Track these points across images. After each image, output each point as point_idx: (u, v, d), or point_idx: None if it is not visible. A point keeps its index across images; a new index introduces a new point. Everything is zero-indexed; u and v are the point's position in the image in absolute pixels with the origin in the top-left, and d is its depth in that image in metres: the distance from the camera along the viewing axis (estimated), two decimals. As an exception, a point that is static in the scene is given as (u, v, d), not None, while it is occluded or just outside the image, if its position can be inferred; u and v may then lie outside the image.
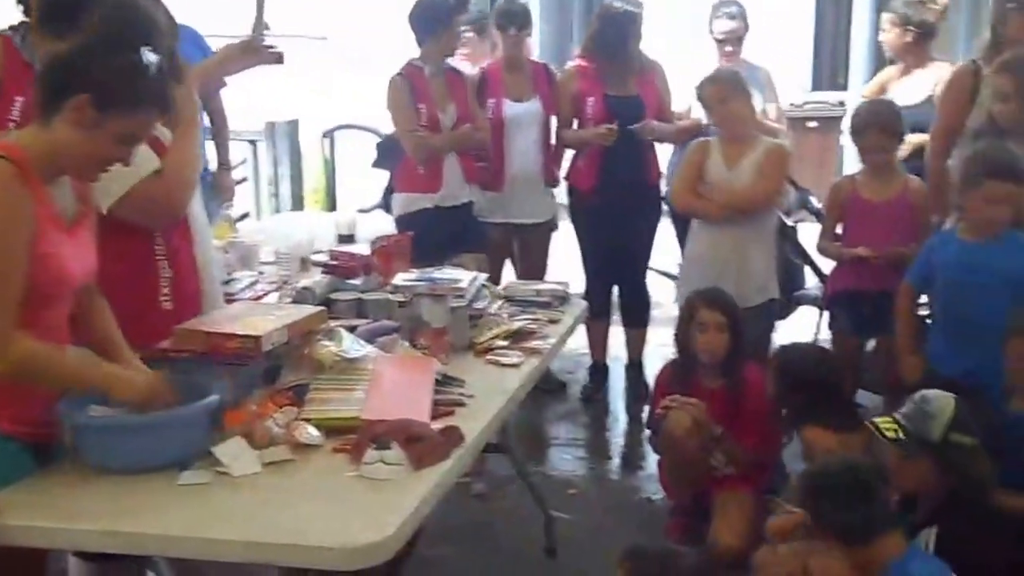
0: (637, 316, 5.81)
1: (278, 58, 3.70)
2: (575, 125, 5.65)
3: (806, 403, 4.18)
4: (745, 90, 4.95)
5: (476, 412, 3.09)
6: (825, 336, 5.17)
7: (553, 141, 5.78)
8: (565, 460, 5.21)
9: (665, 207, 5.88)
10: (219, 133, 5.51)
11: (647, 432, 4.81)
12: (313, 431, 2.74)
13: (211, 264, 3.34)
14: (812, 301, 5.46)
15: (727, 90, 4.88)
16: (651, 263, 5.90)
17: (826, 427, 3.91)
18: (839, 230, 4.88)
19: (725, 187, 4.84)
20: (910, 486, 3.38)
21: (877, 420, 3.42)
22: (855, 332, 4.82)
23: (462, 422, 2.96)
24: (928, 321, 4.38)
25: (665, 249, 6.13)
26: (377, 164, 5.72)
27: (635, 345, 5.87)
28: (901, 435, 3.31)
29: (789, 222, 5.37)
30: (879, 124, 4.70)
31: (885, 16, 5.69)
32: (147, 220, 3.01)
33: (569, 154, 5.80)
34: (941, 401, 3.36)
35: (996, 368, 3.76)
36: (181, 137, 3.02)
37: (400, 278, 3.72)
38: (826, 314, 5.08)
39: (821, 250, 4.99)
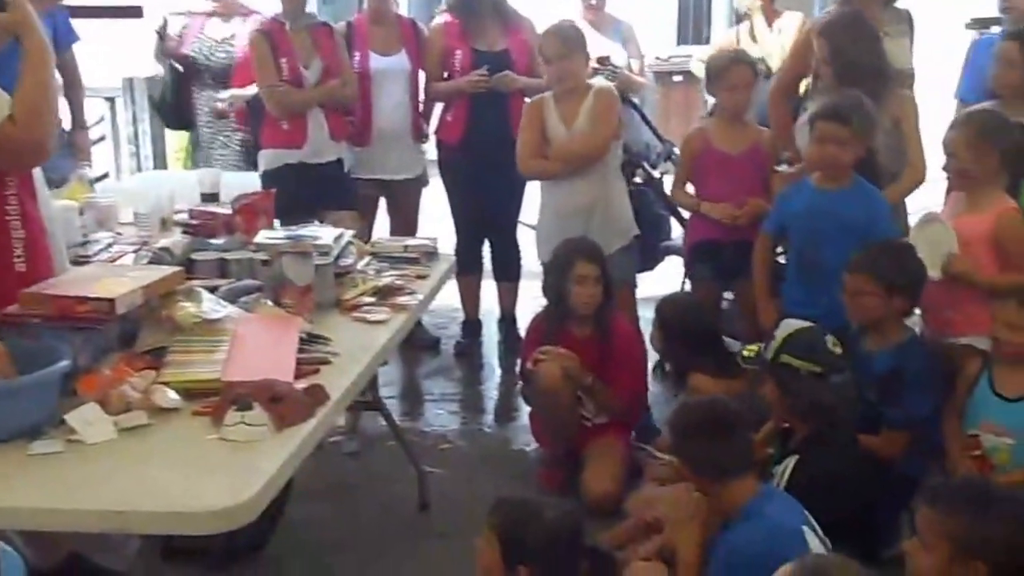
0: (508, 270, 5.79)
1: (137, 12, 3.55)
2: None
3: (689, 352, 4.23)
4: (584, 48, 4.90)
5: (342, 370, 3.04)
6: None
7: (422, 96, 5.69)
8: (438, 415, 5.18)
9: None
10: (72, 90, 5.29)
11: (520, 384, 4.83)
12: (172, 395, 2.66)
13: (54, 223, 3.19)
14: (678, 251, 5.51)
15: (570, 46, 4.82)
16: (521, 217, 5.87)
17: (709, 374, 3.95)
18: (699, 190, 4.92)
19: (563, 143, 4.83)
20: (772, 407, 3.52)
21: (748, 346, 3.50)
22: (714, 280, 4.87)
23: (328, 380, 2.91)
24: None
25: (534, 203, 6.13)
26: (247, 120, 5.57)
27: (507, 299, 5.85)
28: (752, 356, 3.46)
29: (655, 174, 5.40)
30: (730, 75, 4.74)
31: None
32: (12, 164, 2.86)
33: (439, 109, 5.71)
34: (785, 327, 3.52)
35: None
36: (27, 68, 2.83)
37: (263, 236, 3.62)
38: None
39: (676, 200, 5.03)
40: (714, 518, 3.10)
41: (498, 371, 5.71)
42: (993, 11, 5.43)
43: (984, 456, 3.66)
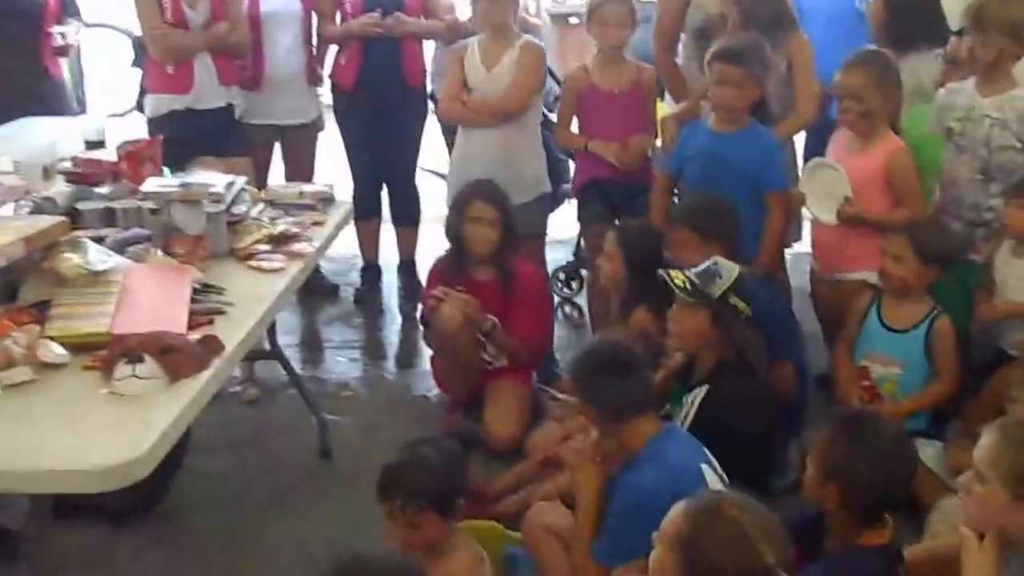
0: (407, 215, 5.73)
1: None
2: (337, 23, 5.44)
3: (640, 283, 4.20)
4: None
5: (237, 320, 2.99)
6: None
7: (315, 39, 5.56)
8: (339, 363, 5.13)
9: (432, 104, 5.80)
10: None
11: (421, 330, 4.80)
12: (58, 349, 2.58)
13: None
14: (573, 194, 5.51)
15: None
16: (420, 162, 5.81)
17: (652, 311, 3.95)
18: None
19: (486, 93, 4.77)
20: (686, 337, 3.52)
21: (672, 272, 3.51)
22: (603, 219, 4.82)
23: (222, 331, 2.86)
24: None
25: (434, 147, 6.07)
26: (136, 63, 5.37)
27: (406, 244, 5.80)
28: (687, 286, 3.44)
29: (552, 117, 5.36)
30: (602, 12, 4.70)
31: None
32: None
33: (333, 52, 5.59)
34: (729, 267, 3.51)
35: (740, 256, 3.89)
36: None
37: (151, 184, 3.51)
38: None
39: (561, 140, 5.01)
40: (614, 458, 3.12)
41: (399, 317, 5.68)
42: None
43: (873, 386, 3.77)
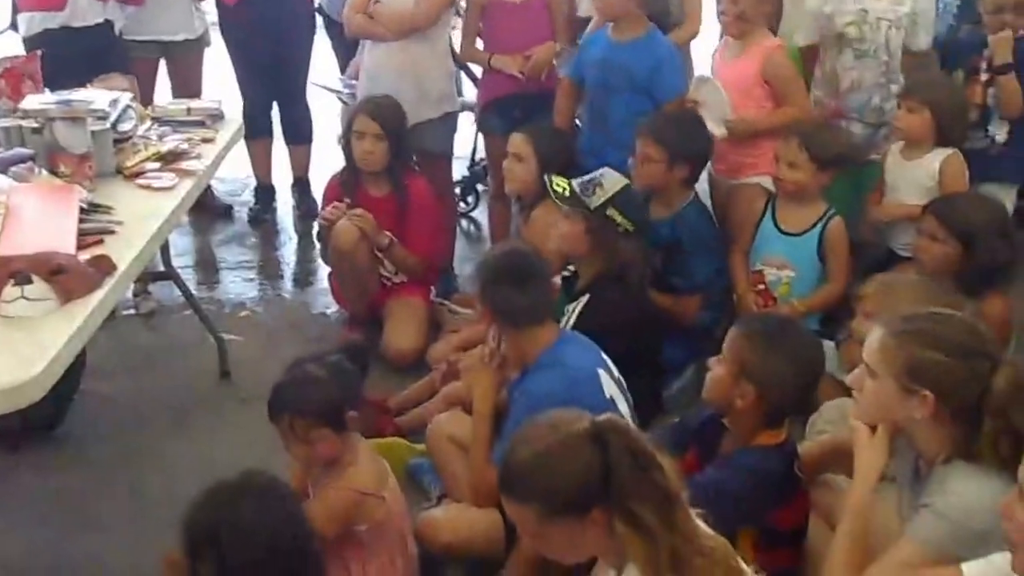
0: (299, 133, 5.63)
1: None
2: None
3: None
4: None
5: (128, 239, 2.94)
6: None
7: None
8: (235, 283, 5.08)
9: (321, 19, 5.68)
10: None
11: (318, 248, 4.76)
12: (-58, 272, 2.49)
13: None
14: (469, 107, 5.47)
15: None
16: (313, 78, 5.70)
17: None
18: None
19: (393, 4, 4.61)
20: (562, 240, 3.55)
21: (554, 177, 3.52)
22: (507, 134, 4.81)
23: (113, 250, 2.80)
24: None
25: (325, 63, 5.96)
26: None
27: (300, 162, 5.72)
28: (565, 192, 3.45)
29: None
30: None
31: None
32: None
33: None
34: (613, 178, 3.54)
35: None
36: None
37: (31, 101, 3.40)
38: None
39: (465, 55, 4.94)
40: (514, 366, 3.16)
41: (294, 236, 5.62)
42: None
43: (767, 290, 3.85)
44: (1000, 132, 4.06)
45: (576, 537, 2.05)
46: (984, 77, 4.03)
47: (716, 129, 4.07)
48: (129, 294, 4.33)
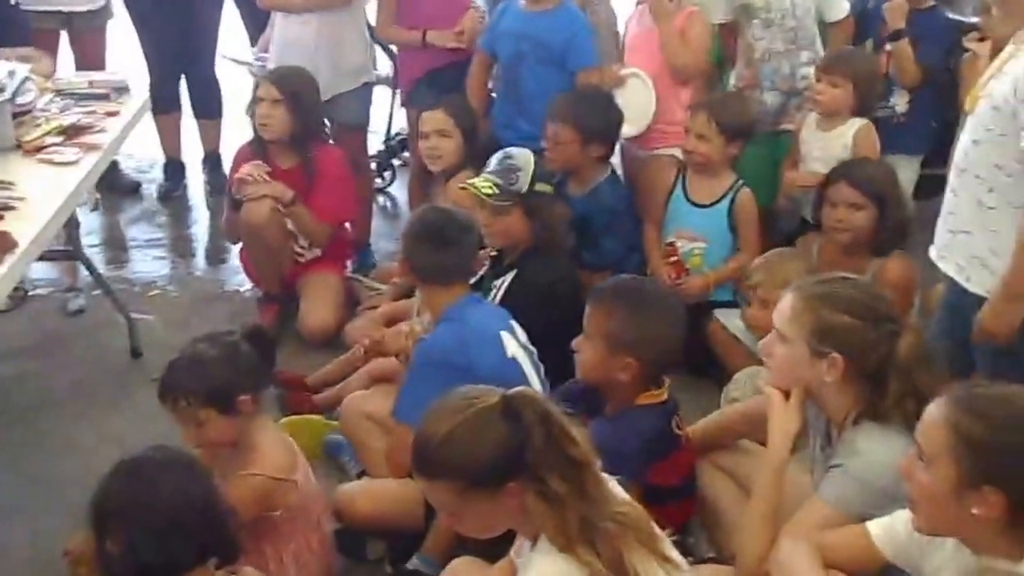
0: (208, 107, 5.55)
1: None
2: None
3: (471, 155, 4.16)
4: None
5: (30, 215, 2.91)
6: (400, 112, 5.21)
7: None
8: (145, 261, 5.01)
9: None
10: None
11: (225, 221, 4.70)
12: None
13: None
14: (384, 81, 5.45)
15: None
16: (223, 51, 5.62)
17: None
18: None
19: None
20: (504, 237, 3.55)
21: (473, 181, 3.53)
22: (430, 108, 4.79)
23: (14, 227, 2.76)
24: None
25: (236, 35, 5.88)
26: None
27: (209, 137, 5.64)
28: (495, 190, 3.47)
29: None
30: None
31: None
32: None
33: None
34: (524, 156, 3.56)
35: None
36: None
37: (-77, 74, 3.32)
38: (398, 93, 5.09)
39: (389, 37, 4.90)
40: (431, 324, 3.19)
41: (206, 213, 5.55)
42: None
43: (680, 261, 3.90)
44: (900, 102, 4.16)
45: (492, 511, 2.08)
46: (888, 47, 4.12)
47: (631, 128, 4.11)
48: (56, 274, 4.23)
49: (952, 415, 1.95)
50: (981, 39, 3.82)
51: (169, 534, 2.12)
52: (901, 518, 2.13)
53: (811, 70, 4.04)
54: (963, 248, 2.78)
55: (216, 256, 5.08)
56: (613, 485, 2.14)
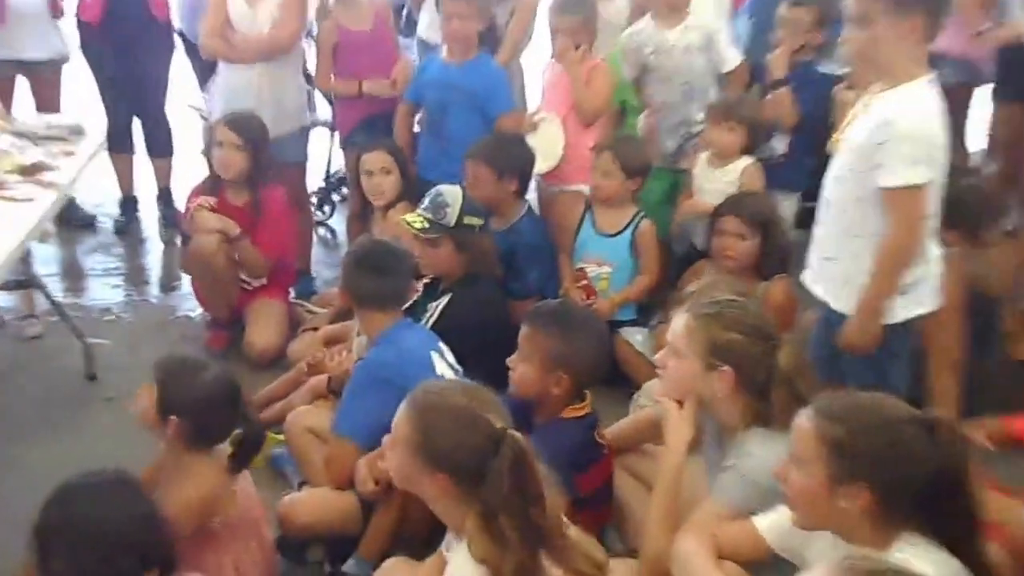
0: (160, 146, 5.47)
1: None
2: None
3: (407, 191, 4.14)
4: None
5: (-10, 249, 2.81)
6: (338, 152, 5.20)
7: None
8: (101, 290, 4.90)
9: (181, 41, 5.53)
10: None
11: (179, 253, 4.64)
12: None
13: None
14: (324, 124, 5.43)
15: None
16: (175, 95, 5.55)
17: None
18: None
19: (250, 29, 4.51)
20: (437, 267, 3.57)
21: (406, 217, 3.53)
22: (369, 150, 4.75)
23: (-26, 260, 2.67)
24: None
25: (187, 81, 5.82)
26: None
27: (162, 174, 5.55)
28: (426, 224, 3.47)
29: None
30: None
31: None
32: None
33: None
34: (452, 192, 3.58)
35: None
36: None
37: None
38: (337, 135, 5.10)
39: (327, 86, 4.88)
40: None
41: (159, 244, 5.45)
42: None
43: (589, 284, 3.93)
44: (780, 144, 4.22)
45: (421, 486, 2.14)
46: (771, 95, 4.19)
47: (544, 165, 4.14)
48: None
49: (816, 422, 2.00)
50: (848, 88, 3.91)
51: (111, 548, 2.08)
52: (785, 513, 2.16)
53: (702, 116, 4.10)
54: (830, 272, 2.85)
55: (168, 284, 4.99)
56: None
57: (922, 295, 2.77)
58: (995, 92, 4.58)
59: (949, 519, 1.96)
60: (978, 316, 3.40)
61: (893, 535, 1.96)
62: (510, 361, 2.83)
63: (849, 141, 2.77)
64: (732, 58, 4.18)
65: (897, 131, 2.60)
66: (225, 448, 2.67)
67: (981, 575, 1.97)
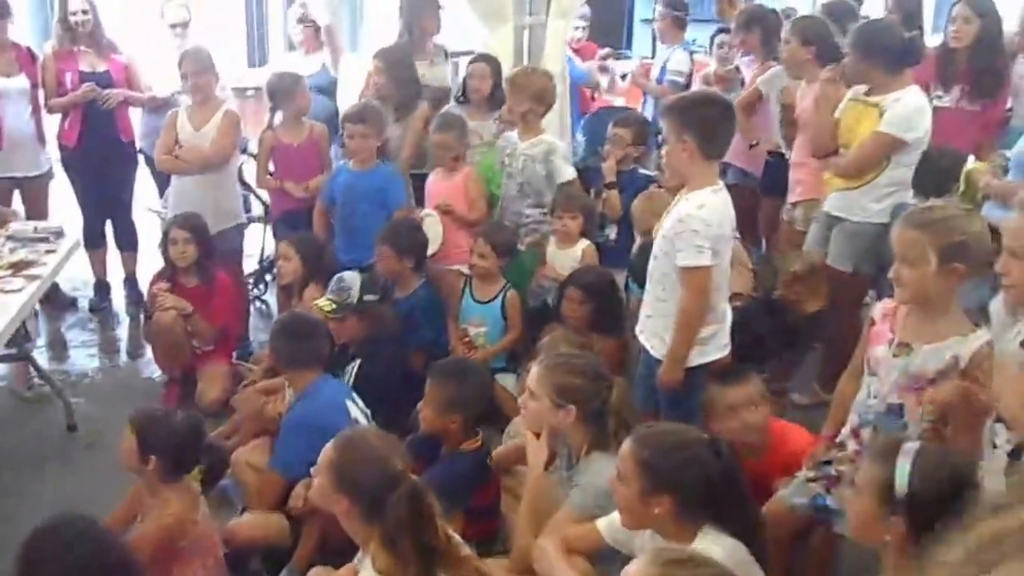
0: (127, 242, 5.31)
1: None
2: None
3: (311, 273, 4.07)
4: (214, 67, 4.58)
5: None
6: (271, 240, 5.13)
7: (43, 108, 5.01)
8: (80, 358, 4.69)
9: (142, 157, 5.41)
10: None
11: (143, 326, 4.50)
12: None
13: None
14: (258, 220, 5.36)
15: (202, 65, 4.51)
16: (147, 204, 5.42)
17: (317, 288, 3.90)
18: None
19: (196, 147, 4.47)
20: (346, 337, 3.56)
21: (318, 302, 3.49)
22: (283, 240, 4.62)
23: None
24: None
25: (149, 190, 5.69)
26: None
27: (128, 264, 5.37)
28: (334, 307, 3.43)
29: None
30: (282, 90, 4.59)
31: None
32: None
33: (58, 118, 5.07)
34: (352, 277, 3.58)
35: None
36: None
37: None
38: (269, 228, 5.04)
39: (260, 184, 4.83)
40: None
41: (127, 320, 5.25)
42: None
43: (471, 341, 3.96)
44: (611, 231, 4.28)
45: (334, 507, 2.13)
46: (604, 195, 4.31)
47: (430, 249, 4.16)
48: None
49: (632, 447, 2.06)
50: (663, 189, 4.05)
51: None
52: (617, 516, 2.20)
53: (535, 211, 4.13)
54: (651, 327, 2.93)
55: (135, 352, 4.79)
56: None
57: (712, 347, 2.86)
58: (761, 189, 4.77)
59: (733, 514, 2.04)
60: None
61: (695, 529, 2.02)
62: (420, 406, 2.83)
63: (662, 230, 2.87)
64: (568, 172, 4.18)
65: (689, 225, 2.72)
66: (192, 479, 2.64)
67: (760, 554, 2.05)
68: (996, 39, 4.19)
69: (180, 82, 4.69)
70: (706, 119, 2.71)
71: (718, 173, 2.85)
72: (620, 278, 4.13)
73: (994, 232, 2.22)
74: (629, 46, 9.62)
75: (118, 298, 5.43)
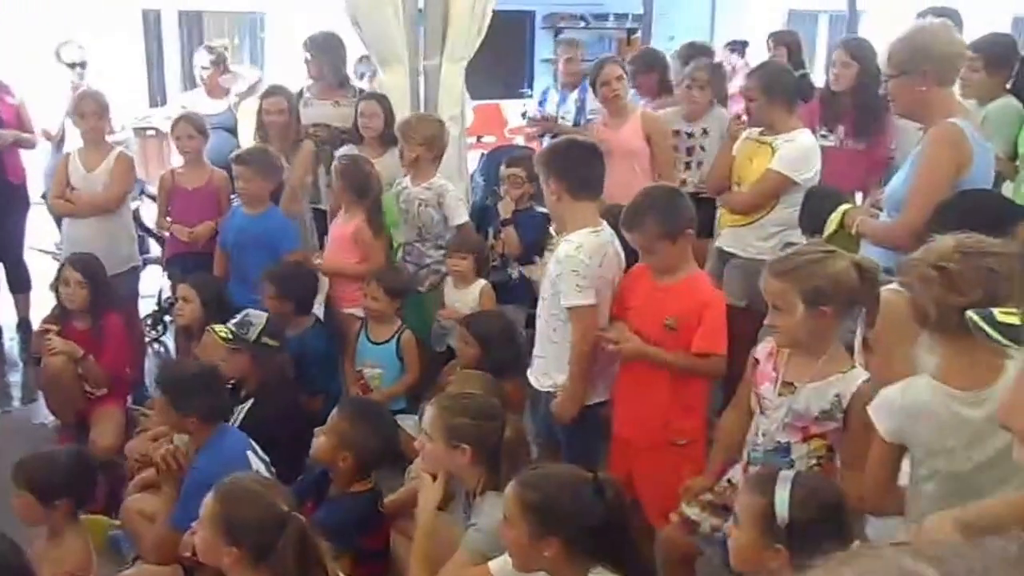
0: (19, 285, 5.04)
1: None
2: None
3: (210, 317, 3.82)
4: (108, 111, 4.45)
5: None
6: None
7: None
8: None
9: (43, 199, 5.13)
10: None
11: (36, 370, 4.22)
12: None
13: None
14: (156, 261, 5.14)
15: (98, 106, 4.35)
16: (36, 243, 5.12)
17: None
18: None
19: (87, 192, 4.28)
20: (236, 372, 3.37)
21: (216, 327, 3.34)
22: (183, 280, 4.28)
23: None
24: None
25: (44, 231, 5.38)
26: None
27: (21, 307, 5.09)
28: (230, 336, 3.31)
29: (132, 205, 4.94)
30: (196, 126, 4.44)
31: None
32: None
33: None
34: (258, 316, 3.41)
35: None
36: None
37: None
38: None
39: (159, 226, 4.64)
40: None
41: (20, 364, 4.94)
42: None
43: (366, 383, 3.83)
44: (514, 270, 4.23)
45: (220, 559, 2.02)
46: (502, 233, 4.22)
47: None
48: None
49: (517, 490, 1.99)
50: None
51: None
52: (509, 559, 2.14)
53: (437, 253, 4.06)
54: (541, 366, 2.91)
55: (28, 396, 4.51)
56: None
57: (602, 388, 2.84)
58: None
59: (620, 552, 1.99)
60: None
61: (585, 571, 1.96)
62: (316, 431, 2.72)
63: (547, 270, 2.86)
64: (461, 215, 4.08)
65: (567, 266, 2.70)
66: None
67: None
68: (874, 81, 4.35)
69: (75, 120, 4.47)
70: (567, 162, 2.74)
71: (597, 214, 2.84)
72: (522, 314, 4.09)
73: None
74: (530, 86, 9.73)
75: (10, 342, 5.11)
